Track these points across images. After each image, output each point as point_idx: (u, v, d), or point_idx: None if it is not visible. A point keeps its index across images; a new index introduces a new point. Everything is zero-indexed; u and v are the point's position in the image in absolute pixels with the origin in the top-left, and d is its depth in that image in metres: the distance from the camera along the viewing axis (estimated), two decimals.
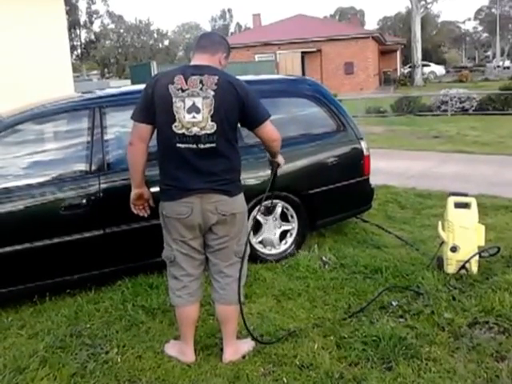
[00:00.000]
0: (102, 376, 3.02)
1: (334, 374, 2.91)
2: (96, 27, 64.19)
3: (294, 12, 70.86)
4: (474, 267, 4.06)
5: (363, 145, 5.00)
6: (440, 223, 4.28)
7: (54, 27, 8.37)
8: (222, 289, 3.09)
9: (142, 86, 5.32)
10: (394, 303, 3.67)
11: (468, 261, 4.01)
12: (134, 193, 3.16)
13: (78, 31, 59.48)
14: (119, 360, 3.17)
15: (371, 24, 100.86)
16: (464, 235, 4.06)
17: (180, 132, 2.85)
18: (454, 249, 4.05)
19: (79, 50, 60.06)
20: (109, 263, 4.06)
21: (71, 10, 52.05)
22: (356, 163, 5.00)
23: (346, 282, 4.09)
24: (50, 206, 3.88)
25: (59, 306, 3.90)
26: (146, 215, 3.27)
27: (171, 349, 3.24)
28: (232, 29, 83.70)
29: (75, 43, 58.03)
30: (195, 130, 2.83)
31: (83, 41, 61.31)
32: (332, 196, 4.79)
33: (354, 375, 2.90)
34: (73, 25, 54.22)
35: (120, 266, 4.10)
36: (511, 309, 3.45)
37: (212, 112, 2.83)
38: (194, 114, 2.82)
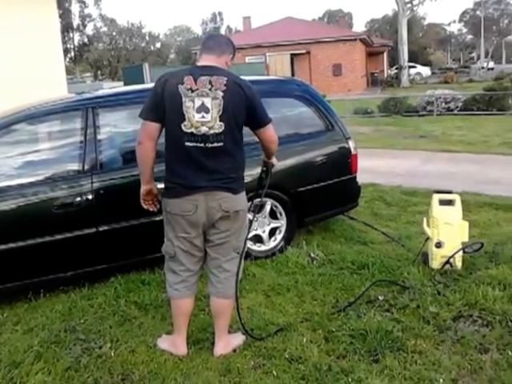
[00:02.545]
0: (95, 370, 3.05)
1: (322, 367, 2.95)
2: (89, 30, 64.52)
3: (283, 15, 70.75)
4: (458, 262, 4.10)
5: (351, 144, 5.04)
6: (425, 220, 4.31)
7: (47, 31, 8.35)
8: (219, 283, 3.14)
9: (133, 87, 5.38)
10: (381, 297, 3.70)
11: (452, 256, 4.05)
12: (143, 189, 3.18)
13: (71, 34, 59.54)
14: (112, 354, 3.20)
15: (359, 26, 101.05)
16: (448, 231, 4.10)
17: (189, 131, 2.89)
18: (438, 244, 4.09)
19: (73, 53, 60.05)
20: (102, 261, 4.10)
21: (64, 13, 52.05)
22: (344, 162, 5.03)
23: (334, 277, 4.13)
24: (44, 204, 3.91)
25: (53, 303, 3.94)
26: (155, 210, 3.27)
27: (163, 343, 3.28)
28: (223, 32, 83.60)
29: (69, 46, 58.01)
30: (204, 129, 2.88)
31: (76, 44, 61.43)
32: (320, 194, 4.84)
33: (342, 367, 2.94)
34: (66, 28, 54.26)
35: (113, 264, 4.14)
36: (494, 302, 3.50)
37: (221, 112, 2.89)
38: (204, 113, 2.87)
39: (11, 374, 3.04)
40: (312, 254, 4.53)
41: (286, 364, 3.02)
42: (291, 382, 2.86)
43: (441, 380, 2.81)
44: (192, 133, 2.89)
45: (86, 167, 4.03)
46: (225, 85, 2.90)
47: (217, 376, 2.95)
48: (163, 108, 2.92)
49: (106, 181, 4.04)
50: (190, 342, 3.28)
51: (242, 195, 3.10)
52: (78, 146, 4.07)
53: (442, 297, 3.66)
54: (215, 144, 2.91)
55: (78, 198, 3.94)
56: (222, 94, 2.88)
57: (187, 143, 2.91)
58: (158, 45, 68.08)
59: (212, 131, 2.89)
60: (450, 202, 4.23)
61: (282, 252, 4.66)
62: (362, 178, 5.35)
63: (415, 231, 5.18)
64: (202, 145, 2.91)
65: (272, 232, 4.75)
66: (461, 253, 4.11)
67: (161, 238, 4.27)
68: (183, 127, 2.89)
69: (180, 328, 3.22)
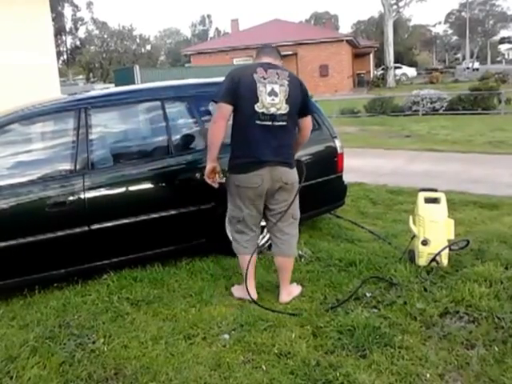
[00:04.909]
0: (89, 364, 3.09)
1: (310, 362, 2.99)
2: (81, 33, 66.06)
3: (270, 17, 70.81)
4: (444, 260, 4.12)
5: (337, 143, 5.07)
6: (411, 218, 4.33)
7: (40, 34, 8.48)
8: (282, 244, 3.79)
9: (124, 88, 5.41)
10: (368, 294, 3.72)
11: (438, 254, 4.06)
12: (209, 166, 3.63)
13: (64, 37, 60.60)
14: (105, 349, 3.24)
15: (345, 28, 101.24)
16: (434, 229, 4.12)
17: (260, 111, 3.48)
18: (424, 242, 4.12)
19: (65, 56, 60.81)
20: (94, 258, 4.13)
21: (57, 17, 53.12)
22: (330, 161, 5.06)
23: (322, 274, 4.17)
24: (37, 203, 3.94)
25: (48, 299, 3.98)
26: (216, 186, 3.71)
27: (237, 291, 3.90)
28: (211, 34, 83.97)
29: (61, 49, 58.98)
30: (273, 110, 3.50)
31: (69, 46, 62.38)
32: (307, 192, 4.79)
33: (330, 363, 2.97)
34: (59, 31, 55.02)
35: (105, 261, 4.18)
36: (480, 299, 3.53)
37: (287, 97, 3.53)
38: (273, 97, 3.50)
39: (7, 367, 3.08)
40: (300, 252, 4.54)
41: (275, 359, 3.06)
42: (280, 377, 2.88)
43: (428, 375, 2.84)
44: (263, 112, 3.49)
45: (78, 167, 4.07)
46: (288, 76, 3.58)
47: (207, 370, 2.98)
48: (237, 93, 3.48)
49: (98, 180, 4.08)
50: (181, 338, 3.33)
51: (295, 170, 3.68)
52: (70, 146, 4.11)
53: (428, 293, 3.69)
54: (280, 123, 3.53)
55: (71, 197, 3.99)
56: (287, 82, 3.55)
57: (257, 121, 3.49)
58: (149, 47, 69.14)
59: (279, 112, 3.52)
60: (435, 200, 4.26)
61: (271, 249, 4.68)
62: (348, 177, 5.39)
63: (401, 229, 5.21)
64: (269, 123, 3.51)
65: (261, 230, 4.77)
66: (447, 250, 4.14)
67: (152, 236, 4.33)
68: (256, 107, 3.48)
69: (250, 277, 3.78)
